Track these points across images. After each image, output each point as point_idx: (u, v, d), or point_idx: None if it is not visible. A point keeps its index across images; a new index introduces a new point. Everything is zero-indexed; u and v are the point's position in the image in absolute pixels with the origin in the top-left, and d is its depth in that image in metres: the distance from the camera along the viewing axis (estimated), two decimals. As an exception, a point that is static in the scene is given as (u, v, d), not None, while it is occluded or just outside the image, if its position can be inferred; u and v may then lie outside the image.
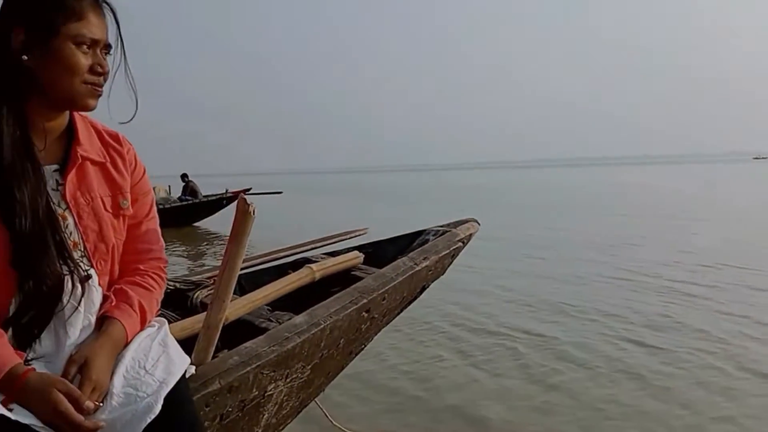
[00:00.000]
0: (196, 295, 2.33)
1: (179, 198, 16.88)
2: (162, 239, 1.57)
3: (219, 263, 2.52)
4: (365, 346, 2.33)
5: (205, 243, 13.08)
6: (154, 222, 1.54)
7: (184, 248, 11.93)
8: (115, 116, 1.47)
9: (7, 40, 1.25)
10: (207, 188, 17.71)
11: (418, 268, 2.26)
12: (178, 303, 2.29)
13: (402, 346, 4.75)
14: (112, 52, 1.35)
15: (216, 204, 16.56)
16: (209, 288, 2.36)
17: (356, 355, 2.30)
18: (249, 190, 16.79)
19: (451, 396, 3.74)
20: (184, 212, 15.99)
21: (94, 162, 1.40)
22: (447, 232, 2.59)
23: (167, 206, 15.72)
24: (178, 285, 2.40)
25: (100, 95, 1.33)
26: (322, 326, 1.83)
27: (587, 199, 23.66)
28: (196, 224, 16.40)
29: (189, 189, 16.97)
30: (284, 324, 1.82)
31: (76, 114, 1.40)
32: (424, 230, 2.71)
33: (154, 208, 1.57)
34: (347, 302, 1.97)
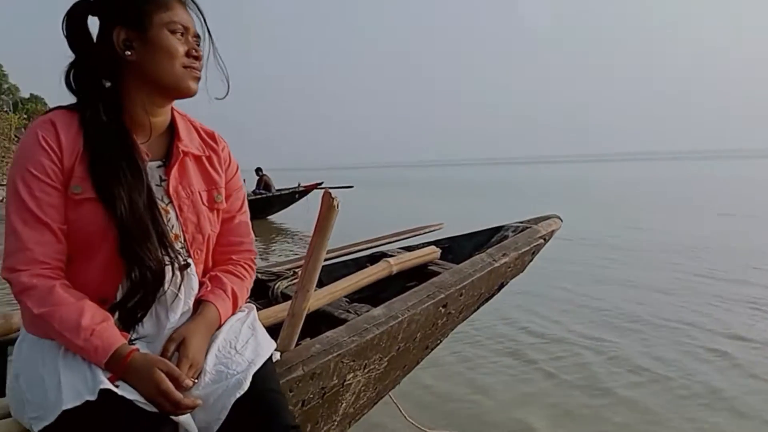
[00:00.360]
0: (277, 285, 2.40)
1: (253, 191, 17.23)
2: (252, 232, 1.64)
3: (292, 256, 2.61)
4: (441, 341, 2.34)
5: (277, 236, 13.31)
6: (245, 216, 1.62)
7: (257, 241, 12.21)
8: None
9: (110, 40, 1.34)
10: (280, 182, 18.03)
11: (496, 265, 2.26)
12: (259, 293, 2.37)
13: (463, 347, 4.73)
14: (200, 43, 1.42)
15: (288, 198, 16.85)
16: (290, 279, 2.43)
17: (432, 350, 2.32)
18: (321, 184, 17.02)
19: (510, 402, 3.70)
20: (258, 205, 16.32)
21: (193, 156, 1.48)
22: (527, 228, 2.57)
23: None
24: (259, 276, 2.48)
25: (198, 78, 1.40)
26: (399, 319, 1.86)
27: (676, 194, 21.93)
28: (269, 217, 16.73)
29: (263, 183, 17.28)
30: (363, 315, 1.86)
31: (176, 112, 1.48)
32: (503, 226, 2.70)
33: (246, 203, 1.64)
34: (425, 296, 1.99)
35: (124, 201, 1.29)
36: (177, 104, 1.51)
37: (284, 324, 1.65)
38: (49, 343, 1.28)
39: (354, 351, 1.71)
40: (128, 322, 1.32)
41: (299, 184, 16.98)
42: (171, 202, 1.41)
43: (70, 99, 1.39)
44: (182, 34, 1.37)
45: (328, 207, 1.57)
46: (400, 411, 2.89)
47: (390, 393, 2.60)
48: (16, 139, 31.19)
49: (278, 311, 1.93)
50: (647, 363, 4.24)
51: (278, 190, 17.05)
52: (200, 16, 1.43)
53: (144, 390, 1.20)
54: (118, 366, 1.21)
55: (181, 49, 1.36)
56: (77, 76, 1.39)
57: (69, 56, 1.39)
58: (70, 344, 1.23)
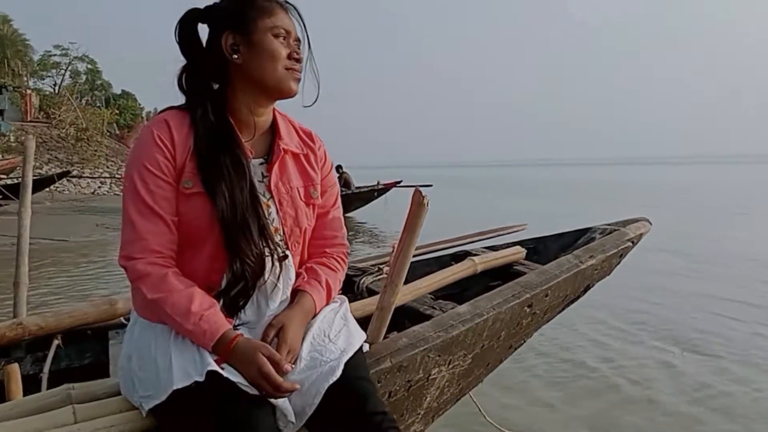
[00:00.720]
0: (363, 281, 2.48)
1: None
2: (344, 227, 1.72)
3: (372, 252, 2.69)
4: (525, 341, 2.36)
5: (356, 233, 13.48)
6: (338, 211, 1.70)
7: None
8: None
9: (219, 44, 1.44)
10: (359, 180, 18.18)
11: (583, 267, 2.25)
12: (345, 288, 2.45)
13: (546, 348, 4.69)
14: (300, 47, 1.50)
15: (367, 195, 16.93)
16: (374, 275, 2.50)
17: (515, 349, 2.34)
18: (400, 182, 17.05)
19: (593, 407, 3.64)
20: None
21: (292, 154, 1.56)
22: (615, 231, 2.54)
23: None
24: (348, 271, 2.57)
25: (298, 80, 1.48)
26: (485, 317, 1.89)
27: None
28: (348, 214, 16.92)
29: (342, 180, 17.41)
30: (449, 312, 1.91)
31: (277, 112, 1.57)
32: (591, 228, 2.68)
33: (339, 199, 1.72)
34: (510, 296, 2.01)
35: (226, 196, 1.38)
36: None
37: (373, 317, 1.71)
38: (161, 327, 1.39)
39: (439, 346, 1.76)
40: (232, 308, 1.42)
41: (378, 182, 17.03)
42: (272, 197, 1.50)
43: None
44: (284, 38, 1.45)
45: (418, 205, 1.61)
46: (479, 409, 2.91)
47: (471, 395, 2.65)
48: (108, 133, 32.65)
49: (366, 305, 2.00)
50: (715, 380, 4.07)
51: (357, 188, 17.13)
52: (300, 21, 1.51)
53: (247, 373, 1.28)
54: (224, 349, 1.31)
55: (284, 51, 1.44)
56: (188, 79, 1.49)
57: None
58: (181, 328, 1.33)
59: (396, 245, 1.70)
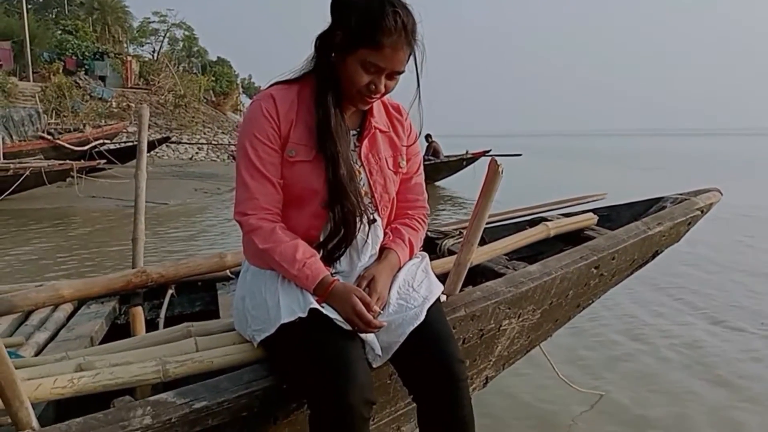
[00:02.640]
0: (444, 243, 2.69)
1: (422, 158, 17.46)
2: (426, 192, 1.92)
3: (458, 218, 2.87)
4: (593, 301, 2.51)
5: (443, 200, 13.65)
6: (421, 177, 1.90)
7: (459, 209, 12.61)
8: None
9: (332, 35, 1.61)
10: (448, 149, 18.17)
11: (650, 233, 2.37)
12: (429, 249, 2.67)
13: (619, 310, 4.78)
14: (399, 76, 1.61)
15: (456, 164, 16.93)
16: (455, 237, 2.70)
17: (584, 308, 2.49)
18: (489, 151, 16.96)
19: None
20: (426, 172, 16.50)
21: (382, 131, 1.77)
22: (686, 200, 2.63)
23: None
24: (429, 234, 2.78)
25: (370, 104, 1.66)
26: (552, 276, 2.06)
27: None
28: (437, 183, 16.99)
29: (431, 149, 17.44)
30: (520, 270, 2.09)
31: None
32: (663, 197, 2.77)
33: (422, 167, 1.92)
34: (578, 257, 2.17)
35: (335, 161, 1.60)
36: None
37: (451, 272, 1.92)
38: (270, 273, 1.65)
39: (509, 300, 1.94)
40: (329, 259, 1.66)
41: (467, 152, 16.98)
42: (362, 165, 1.71)
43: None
44: (373, 72, 1.57)
45: (493, 172, 1.79)
46: (552, 366, 3.09)
47: (543, 349, 2.82)
48: (204, 100, 33.65)
49: (445, 263, 2.20)
50: None
51: (446, 157, 17.14)
52: (414, 59, 1.61)
53: (342, 311, 1.52)
54: (324, 291, 1.55)
55: (365, 80, 1.57)
56: (322, 43, 1.64)
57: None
58: (287, 273, 1.59)
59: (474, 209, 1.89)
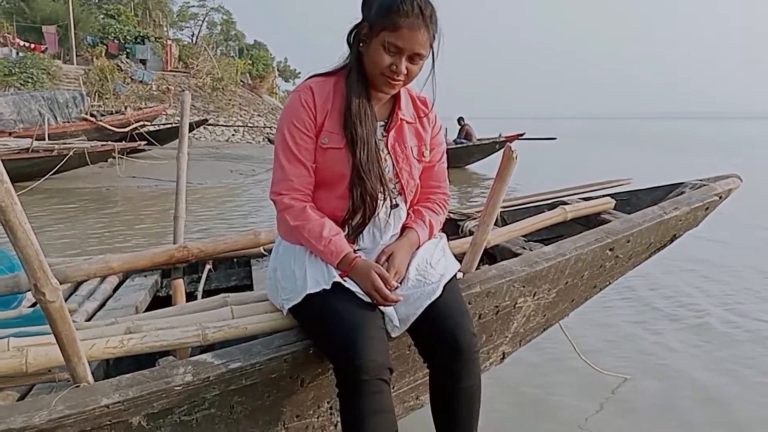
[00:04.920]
0: (466, 224, 2.81)
1: (454, 141, 17.46)
2: (447, 179, 2.06)
3: (485, 200, 2.96)
4: (610, 283, 2.60)
5: (473, 183, 13.68)
6: (443, 165, 2.04)
7: (455, 187, 12.67)
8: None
9: (360, 28, 1.76)
10: (482, 132, 18.11)
11: (666, 217, 2.45)
12: (452, 230, 2.79)
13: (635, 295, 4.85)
14: (422, 60, 1.74)
15: (488, 148, 16.82)
16: (477, 219, 2.82)
17: (601, 289, 2.58)
18: (522, 135, 16.87)
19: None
20: (458, 154, 16.56)
21: (408, 122, 1.90)
22: (704, 185, 2.69)
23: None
24: (452, 215, 2.91)
25: (394, 86, 1.76)
26: (567, 256, 2.17)
27: None
28: (469, 166, 16.95)
29: (464, 132, 17.38)
30: (535, 251, 2.21)
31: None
32: (683, 182, 2.84)
33: (444, 155, 2.05)
34: (593, 240, 2.27)
35: (361, 146, 1.74)
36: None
37: (467, 251, 2.04)
38: (299, 248, 1.81)
39: (524, 278, 2.06)
40: (352, 236, 1.81)
41: (500, 135, 16.87)
42: (389, 153, 1.85)
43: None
44: (394, 53, 1.70)
45: (508, 158, 1.89)
46: (574, 347, 3.18)
47: (564, 330, 2.93)
48: (241, 83, 34.02)
49: (465, 242, 2.32)
50: None
51: (479, 140, 17.10)
52: (431, 41, 1.73)
53: (363, 285, 1.67)
54: (346, 266, 1.71)
55: (386, 62, 1.70)
56: (355, 37, 1.78)
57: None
58: (314, 248, 1.75)
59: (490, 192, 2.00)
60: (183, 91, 3.41)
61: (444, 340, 1.68)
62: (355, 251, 1.77)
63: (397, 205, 1.86)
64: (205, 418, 1.59)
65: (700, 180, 2.78)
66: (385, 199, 1.82)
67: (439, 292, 1.70)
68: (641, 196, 2.94)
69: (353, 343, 1.54)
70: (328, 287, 1.66)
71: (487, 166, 16.49)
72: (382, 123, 1.87)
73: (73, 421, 1.39)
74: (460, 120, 17.77)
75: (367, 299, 1.67)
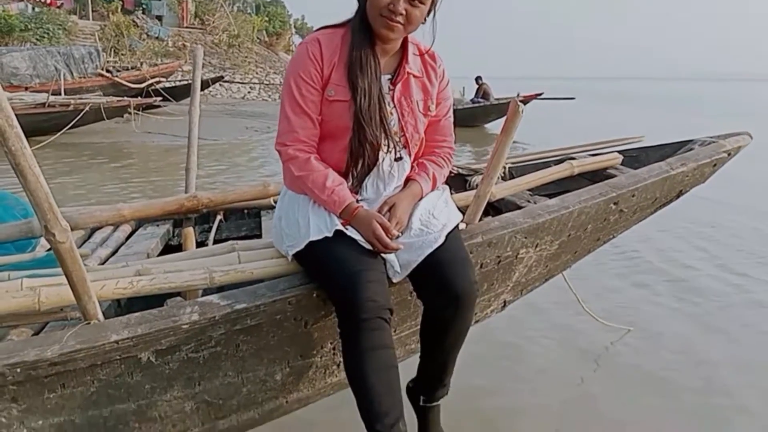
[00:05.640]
0: (474, 179, 2.83)
1: (471, 100, 17.34)
2: (453, 134, 2.07)
3: (515, 160, 2.99)
4: (614, 236, 2.62)
5: (489, 142, 13.55)
6: (449, 120, 2.04)
7: (470, 147, 12.65)
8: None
9: None
10: (500, 91, 17.92)
11: (672, 173, 2.45)
12: (459, 185, 2.82)
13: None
14: (422, 2, 1.73)
15: (506, 107, 16.60)
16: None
17: (605, 242, 2.61)
18: (541, 94, 16.66)
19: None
20: (475, 114, 16.48)
21: (415, 76, 1.91)
22: (713, 142, 2.69)
23: (459, 107, 16.33)
24: (461, 171, 2.93)
25: (391, 28, 1.74)
26: (570, 209, 2.19)
27: None
28: (486, 126, 16.85)
29: (482, 91, 17.20)
30: (539, 204, 2.23)
31: (408, 40, 1.89)
32: (693, 140, 2.84)
33: (451, 110, 2.06)
34: (597, 193, 2.29)
35: (365, 94, 1.76)
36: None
37: (471, 203, 2.07)
38: (303, 197, 1.85)
39: (526, 229, 2.09)
40: (355, 187, 1.85)
41: (518, 94, 16.65)
42: (395, 107, 1.87)
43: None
44: None
45: (513, 112, 1.92)
46: (578, 299, 3.23)
47: (569, 282, 2.97)
48: (257, 40, 33.72)
49: (470, 195, 2.34)
50: None
51: (497, 99, 16.94)
52: None
53: (364, 233, 1.71)
54: (348, 215, 1.75)
55: (384, 3, 1.71)
56: None
57: None
58: (318, 198, 1.78)
59: (495, 145, 2.02)
60: (195, 45, 3.42)
61: (443, 287, 1.71)
62: (358, 201, 1.80)
63: (401, 158, 1.89)
64: (211, 356, 1.65)
65: (711, 137, 2.77)
66: (388, 151, 1.85)
67: (440, 241, 1.73)
68: (650, 152, 2.94)
69: (354, 285, 1.59)
70: (330, 235, 1.71)
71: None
72: (389, 76, 1.88)
73: (84, 355, 1.46)
74: (477, 79, 17.60)
75: (368, 247, 1.71)
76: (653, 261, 4.81)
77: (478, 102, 17.04)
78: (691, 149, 2.71)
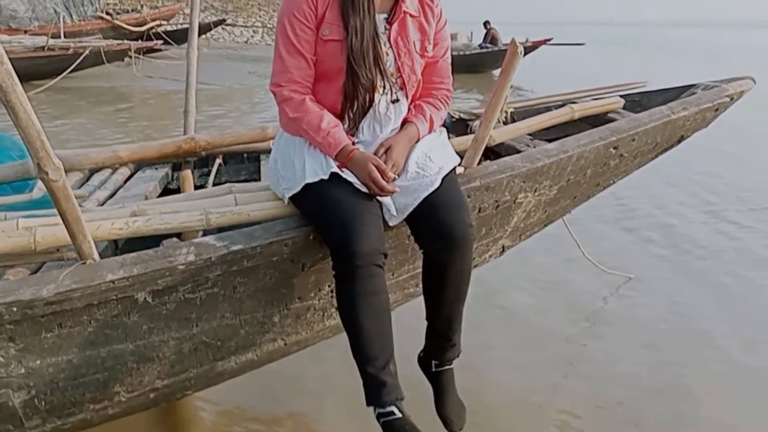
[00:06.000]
0: (475, 124, 2.80)
1: (479, 45, 17.08)
2: (451, 75, 2.03)
3: (518, 104, 2.97)
4: (614, 181, 2.60)
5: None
6: (446, 61, 2.00)
7: (477, 94, 12.49)
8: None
9: None
10: (509, 37, 17.49)
11: (673, 117, 2.42)
12: (460, 130, 2.79)
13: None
14: None
15: None
16: (485, 118, 2.81)
17: (604, 188, 2.59)
18: (550, 40, 16.39)
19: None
20: (482, 60, 16.24)
21: (412, 15, 1.86)
22: (716, 86, 2.65)
23: (467, 53, 16.09)
24: (462, 115, 2.90)
25: None
26: (569, 153, 2.17)
27: None
28: (494, 71, 16.61)
29: (490, 37, 16.94)
30: (538, 148, 2.22)
31: None
32: (696, 84, 2.80)
33: (449, 52, 2.01)
34: (597, 138, 2.26)
35: (357, 32, 1.73)
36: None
37: (469, 147, 2.05)
38: (299, 139, 1.83)
39: (524, 174, 2.07)
40: (351, 129, 1.83)
41: (527, 39, 16.35)
42: (391, 47, 1.83)
43: None
44: None
45: (512, 53, 1.88)
46: (579, 246, 3.25)
47: (571, 230, 2.97)
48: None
49: (470, 139, 2.32)
50: None
51: (504, 45, 16.72)
52: None
53: (360, 176, 1.70)
54: (344, 157, 1.73)
55: None
56: None
57: None
58: (313, 140, 1.76)
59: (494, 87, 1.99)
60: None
61: (440, 230, 1.71)
62: (354, 143, 1.78)
63: (397, 100, 1.86)
64: (209, 297, 1.67)
65: (713, 81, 2.73)
66: (384, 93, 1.82)
67: (437, 184, 1.72)
68: (653, 97, 2.90)
69: (348, 229, 1.59)
70: (326, 177, 1.69)
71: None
72: (386, 15, 1.83)
73: (80, 294, 1.47)
74: (486, 24, 17.30)
75: (364, 190, 1.70)
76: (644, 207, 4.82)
77: (486, 47, 16.78)
78: (694, 93, 2.67)
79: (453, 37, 17.31)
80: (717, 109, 2.58)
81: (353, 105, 1.79)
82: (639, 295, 3.35)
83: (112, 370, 1.67)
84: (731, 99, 2.60)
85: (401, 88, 1.87)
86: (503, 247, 2.37)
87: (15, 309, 1.42)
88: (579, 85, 3.25)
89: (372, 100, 1.81)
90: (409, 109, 1.92)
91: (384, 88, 1.81)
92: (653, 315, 3.14)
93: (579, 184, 2.37)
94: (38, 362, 1.55)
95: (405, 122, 1.89)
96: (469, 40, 17.68)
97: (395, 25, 1.83)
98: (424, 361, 1.95)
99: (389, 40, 1.82)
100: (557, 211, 2.48)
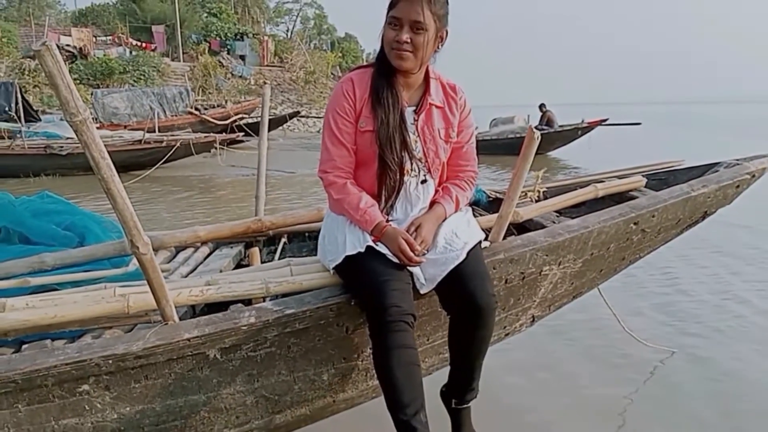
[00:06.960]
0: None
1: (535, 128, 17.00)
2: (476, 158, 2.32)
3: (552, 185, 3.18)
4: (641, 256, 2.76)
5: (552, 170, 13.37)
6: (471, 146, 2.30)
7: (530, 174, 12.44)
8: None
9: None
10: (565, 118, 17.69)
11: (693, 194, 2.60)
12: (495, 208, 3.05)
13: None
14: (424, 30, 1.97)
15: (570, 134, 16.50)
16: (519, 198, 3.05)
17: (631, 262, 2.75)
18: (605, 120, 16.36)
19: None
20: (540, 142, 16.20)
21: (437, 106, 2.18)
22: (738, 164, 2.81)
23: (522, 135, 16.14)
24: (498, 195, 3.16)
25: (402, 57, 1.99)
26: (590, 229, 2.38)
27: None
28: (550, 153, 16.59)
29: (545, 118, 17.02)
30: (560, 224, 2.44)
31: (430, 73, 2.17)
32: (720, 162, 2.96)
33: (474, 137, 2.31)
34: (617, 214, 2.47)
35: (384, 123, 2.05)
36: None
37: (495, 223, 2.32)
38: (342, 218, 2.16)
39: (546, 247, 2.30)
40: (386, 209, 2.13)
41: (583, 120, 16.51)
42: (419, 135, 2.15)
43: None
44: (395, 26, 2.00)
45: (530, 138, 2.15)
46: (618, 320, 3.36)
47: (608, 303, 3.13)
48: (332, 75, 34.81)
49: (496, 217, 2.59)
50: None
51: (560, 126, 16.72)
52: (434, 13, 1.99)
53: (391, 248, 2.00)
54: (378, 232, 2.04)
55: (391, 36, 2.01)
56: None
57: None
58: (353, 218, 2.09)
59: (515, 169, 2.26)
60: (265, 83, 3.81)
61: (464, 298, 1.96)
62: (387, 221, 2.08)
63: (425, 181, 2.16)
64: (267, 355, 1.95)
65: (737, 159, 2.90)
66: (413, 175, 2.12)
67: (462, 257, 1.99)
68: (678, 175, 3.06)
69: (380, 292, 1.87)
70: (363, 250, 2.00)
71: (569, 152, 16.16)
72: (414, 108, 2.15)
73: (162, 350, 1.77)
74: (541, 106, 17.36)
75: (396, 260, 1.99)
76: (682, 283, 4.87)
77: (543, 129, 16.90)
78: (716, 171, 2.84)
79: (510, 120, 17.64)
80: (738, 186, 2.73)
81: (385, 186, 2.10)
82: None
83: (188, 418, 1.93)
84: (752, 176, 2.75)
85: (428, 171, 2.18)
86: (533, 317, 2.57)
87: (110, 361, 1.72)
88: (631, 163, 3.43)
89: (402, 181, 2.12)
90: (436, 190, 2.22)
91: (413, 170, 2.13)
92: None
93: (603, 258, 2.57)
94: (128, 409, 1.83)
95: (434, 203, 2.19)
96: (526, 123, 17.81)
97: (422, 116, 2.14)
98: (445, 396, 2.21)
99: (417, 128, 2.14)
100: (585, 284, 2.66)
